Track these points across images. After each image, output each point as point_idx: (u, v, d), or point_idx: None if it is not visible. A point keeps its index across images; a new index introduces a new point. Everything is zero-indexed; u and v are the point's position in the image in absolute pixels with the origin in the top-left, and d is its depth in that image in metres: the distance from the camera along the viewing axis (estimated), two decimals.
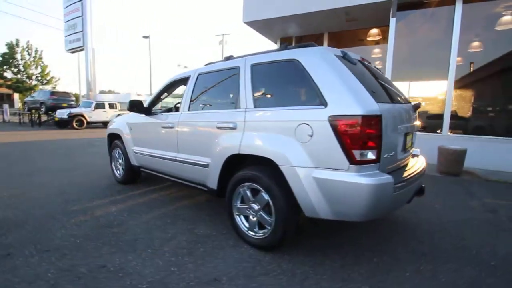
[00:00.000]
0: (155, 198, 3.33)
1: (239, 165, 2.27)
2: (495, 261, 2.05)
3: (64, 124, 13.69)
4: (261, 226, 2.11)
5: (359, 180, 1.58)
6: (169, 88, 3.25)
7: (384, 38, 7.94)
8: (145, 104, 3.22)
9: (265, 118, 2.00)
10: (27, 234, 2.34)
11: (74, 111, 13.93)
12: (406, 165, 2.09)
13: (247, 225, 2.19)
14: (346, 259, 2.02)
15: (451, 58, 5.26)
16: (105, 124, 15.61)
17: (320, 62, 1.81)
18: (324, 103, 1.71)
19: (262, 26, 7.39)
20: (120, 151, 3.80)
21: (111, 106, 15.62)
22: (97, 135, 11.25)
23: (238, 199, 2.24)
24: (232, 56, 2.56)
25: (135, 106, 3.11)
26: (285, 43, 2.15)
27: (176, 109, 3.40)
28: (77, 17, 16.67)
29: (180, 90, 3.53)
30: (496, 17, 5.17)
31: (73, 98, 16.43)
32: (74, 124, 13.61)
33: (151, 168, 3.25)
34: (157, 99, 3.30)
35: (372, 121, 1.59)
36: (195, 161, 2.53)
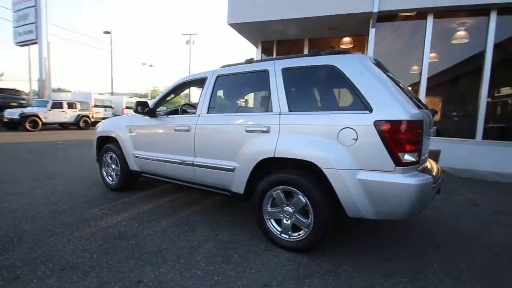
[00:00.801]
0: (160, 205, 3.14)
1: (265, 169, 2.26)
2: (497, 248, 2.32)
3: (14, 125, 12.19)
4: (294, 228, 2.13)
5: (406, 181, 1.68)
6: (178, 89, 3.09)
7: (355, 46, 8.51)
8: (150, 106, 3.02)
9: (304, 122, 2.01)
10: (29, 252, 2.06)
11: (27, 110, 12.47)
12: (427, 166, 2.27)
13: (279, 228, 2.19)
14: (377, 255, 2.12)
15: (423, 65, 5.82)
16: (62, 125, 14.29)
17: (361, 69, 1.89)
18: (368, 108, 1.79)
19: (246, 29, 7.41)
20: (113, 156, 3.51)
21: (70, 105, 14.42)
22: (57, 138, 10.22)
23: (268, 202, 2.23)
24: (253, 59, 2.54)
25: (141, 107, 2.90)
26: (316, 49, 2.19)
27: (183, 111, 3.26)
28: (29, 7, 14.91)
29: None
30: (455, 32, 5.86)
31: (24, 97, 14.68)
32: (27, 125, 12.18)
33: (157, 173, 3.06)
34: (163, 100, 3.11)
35: (415, 125, 1.72)
36: (217, 166, 2.45)
